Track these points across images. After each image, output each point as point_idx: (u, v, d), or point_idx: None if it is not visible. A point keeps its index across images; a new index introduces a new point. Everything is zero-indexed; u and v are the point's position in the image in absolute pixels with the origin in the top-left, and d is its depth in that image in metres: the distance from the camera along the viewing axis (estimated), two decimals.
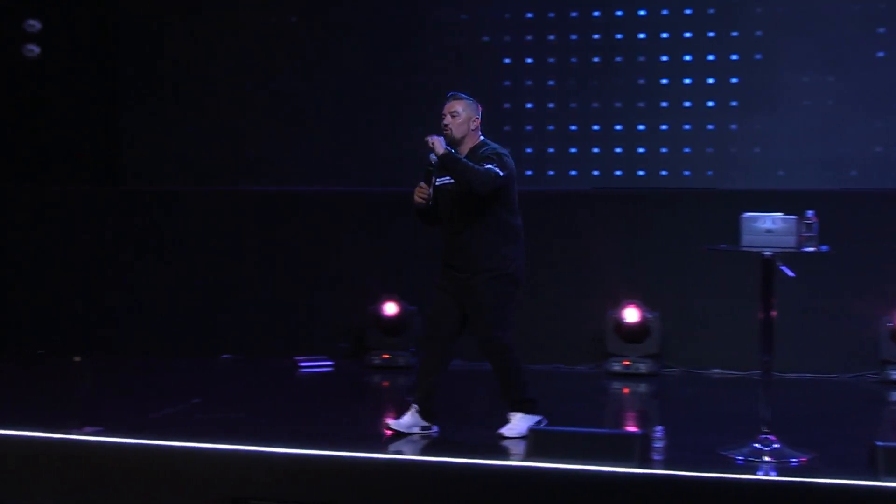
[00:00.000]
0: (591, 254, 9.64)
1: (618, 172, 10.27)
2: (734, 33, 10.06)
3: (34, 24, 9.93)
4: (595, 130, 10.30)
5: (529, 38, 10.41)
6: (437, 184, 6.81)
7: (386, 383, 9.30)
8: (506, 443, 6.72)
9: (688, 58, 10.15)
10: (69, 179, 10.77)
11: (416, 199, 6.77)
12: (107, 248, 10.45)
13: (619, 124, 10.25)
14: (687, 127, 10.15)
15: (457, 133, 6.81)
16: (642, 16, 10.21)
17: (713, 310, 9.42)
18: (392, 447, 6.68)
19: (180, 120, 10.80)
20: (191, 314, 10.24)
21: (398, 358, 9.59)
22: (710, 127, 10.11)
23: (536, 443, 5.99)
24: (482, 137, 6.91)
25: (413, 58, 10.46)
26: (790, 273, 6.48)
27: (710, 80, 10.10)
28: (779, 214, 6.42)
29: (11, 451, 6.22)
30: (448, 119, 6.82)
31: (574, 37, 10.33)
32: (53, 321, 10.34)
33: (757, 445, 6.41)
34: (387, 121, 10.40)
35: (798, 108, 9.90)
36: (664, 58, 10.18)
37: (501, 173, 6.65)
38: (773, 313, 6.53)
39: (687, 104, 10.15)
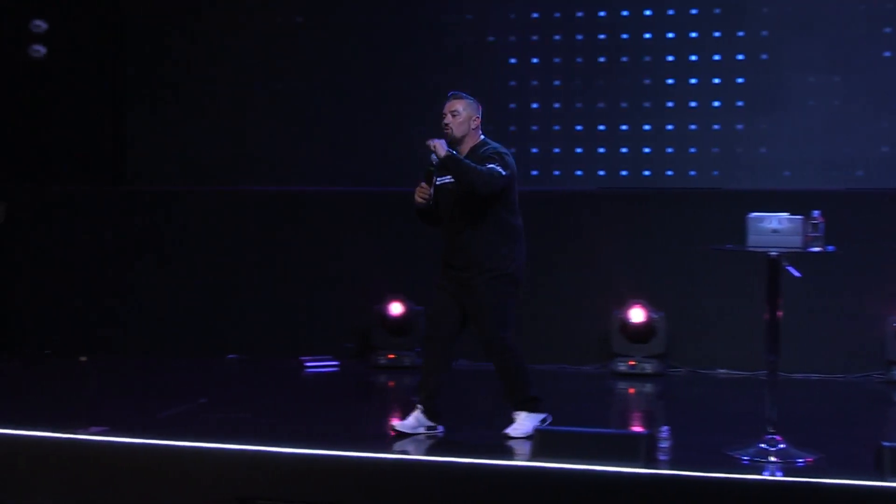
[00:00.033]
0: (597, 254, 9.64)
1: (623, 172, 10.27)
2: (740, 33, 10.05)
3: (40, 25, 9.95)
4: (601, 130, 10.30)
5: (535, 38, 10.41)
6: (437, 183, 6.82)
7: (392, 383, 9.30)
8: (511, 443, 6.72)
9: (694, 58, 10.14)
10: (73, 180, 10.79)
11: (417, 199, 6.77)
12: (113, 248, 10.46)
13: (624, 124, 10.25)
14: (693, 127, 10.14)
15: (457, 132, 6.81)
16: (648, 16, 10.21)
17: (719, 310, 9.42)
18: (398, 447, 6.68)
19: (184, 120, 10.81)
20: (196, 314, 10.25)
21: (404, 358, 9.59)
22: (716, 127, 10.11)
23: (542, 443, 5.99)
24: (482, 136, 6.91)
25: (418, 58, 10.46)
26: (796, 273, 6.47)
27: (716, 80, 10.10)
28: (785, 214, 6.42)
29: (18, 451, 6.23)
30: (448, 118, 6.82)
31: (580, 37, 10.33)
32: (59, 321, 10.36)
33: (763, 446, 6.41)
34: (391, 121, 10.40)
35: (804, 108, 9.90)
36: (670, 58, 10.17)
37: (504, 173, 6.66)
38: (779, 313, 6.53)
39: (693, 104, 10.14)
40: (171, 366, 9.75)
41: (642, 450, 5.80)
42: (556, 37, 10.37)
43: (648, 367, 9.28)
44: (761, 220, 6.42)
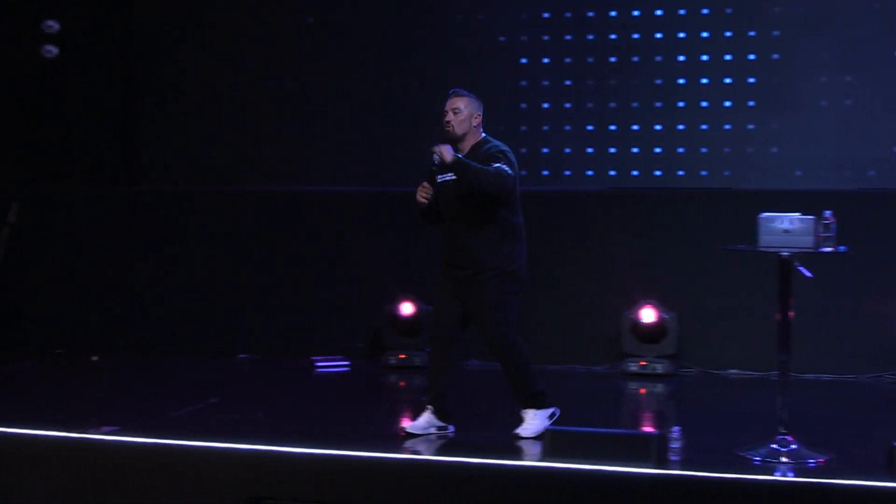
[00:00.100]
0: (608, 254, 9.62)
1: (635, 172, 10.26)
2: (751, 33, 10.04)
3: (52, 26, 9.97)
4: (612, 130, 10.29)
5: (546, 38, 10.41)
6: (438, 180, 6.81)
7: (402, 383, 9.30)
8: (522, 443, 6.72)
9: (705, 57, 10.13)
10: (85, 180, 10.81)
11: (419, 198, 6.76)
12: (124, 248, 10.47)
13: (635, 124, 10.24)
14: (704, 127, 10.13)
15: (458, 130, 6.80)
16: (659, 15, 10.20)
17: (730, 310, 9.39)
18: (408, 447, 6.68)
19: (196, 121, 10.83)
20: (208, 314, 10.26)
21: (414, 358, 9.59)
22: (728, 127, 10.09)
23: (553, 443, 5.98)
24: (484, 134, 6.91)
25: (429, 57, 10.46)
26: (808, 273, 6.46)
27: (728, 80, 10.09)
28: (796, 214, 6.41)
29: (30, 450, 6.24)
30: (450, 116, 6.81)
31: (591, 37, 10.33)
32: (71, 321, 10.37)
33: (774, 446, 6.40)
34: (404, 121, 10.40)
35: (816, 107, 9.88)
36: (681, 58, 10.17)
37: (511, 172, 6.66)
38: (791, 314, 6.52)
39: (704, 104, 10.13)
40: (183, 365, 9.77)
41: (653, 450, 5.79)
42: (568, 37, 10.37)
43: (659, 368, 9.26)
44: (773, 220, 6.41)
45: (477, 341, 7.00)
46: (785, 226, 6.38)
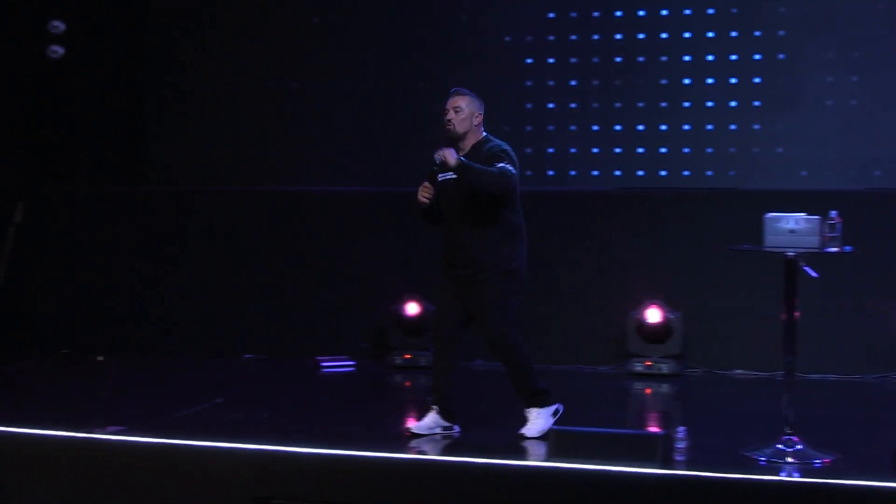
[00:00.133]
0: (613, 254, 9.62)
1: (640, 172, 10.26)
2: (757, 33, 10.04)
3: (58, 26, 9.98)
4: (617, 130, 10.29)
5: (551, 38, 10.41)
6: (439, 180, 6.82)
7: (408, 383, 9.30)
8: (527, 443, 6.72)
9: (710, 58, 10.13)
10: (90, 180, 10.82)
11: (421, 198, 6.76)
12: (129, 247, 10.47)
13: (641, 124, 10.25)
14: (709, 127, 10.13)
15: (459, 129, 6.80)
16: (665, 16, 10.20)
17: (736, 310, 9.39)
18: (414, 447, 6.68)
19: (202, 121, 10.84)
20: (213, 314, 10.27)
21: (420, 358, 9.59)
22: (733, 127, 10.09)
23: (558, 443, 5.98)
24: (485, 133, 6.91)
25: (434, 57, 10.47)
26: (813, 273, 6.45)
27: (733, 80, 10.09)
28: (802, 215, 6.40)
29: (35, 450, 6.25)
30: (451, 114, 6.80)
31: (596, 37, 10.33)
32: (76, 321, 10.38)
33: (780, 447, 6.39)
34: (409, 121, 10.41)
35: (821, 107, 9.88)
36: (687, 58, 10.17)
37: (514, 171, 6.66)
38: (796, 314, 6.51)
39: (709, 104, 10.13)
40: (188, 365, 9.77)
41: (659, 450, 5.79)
42: (573, 37, 10.38)
43: (665, 368, 9.26)
44: (778, 220, 6.40)
45: (481, 342, 7.00)
46: (790, 226, 6.37)
